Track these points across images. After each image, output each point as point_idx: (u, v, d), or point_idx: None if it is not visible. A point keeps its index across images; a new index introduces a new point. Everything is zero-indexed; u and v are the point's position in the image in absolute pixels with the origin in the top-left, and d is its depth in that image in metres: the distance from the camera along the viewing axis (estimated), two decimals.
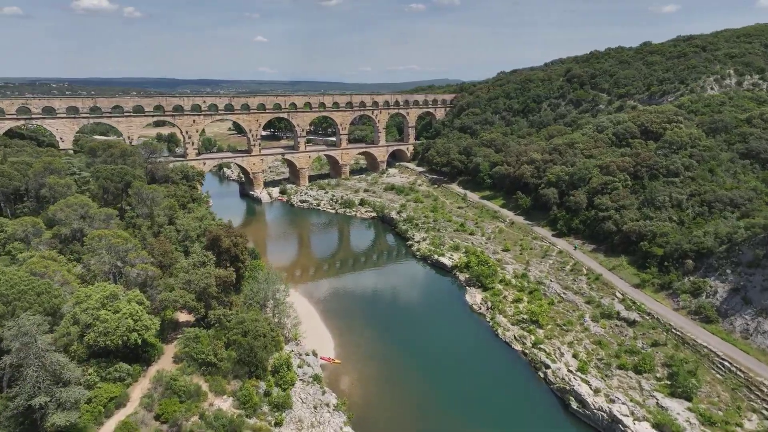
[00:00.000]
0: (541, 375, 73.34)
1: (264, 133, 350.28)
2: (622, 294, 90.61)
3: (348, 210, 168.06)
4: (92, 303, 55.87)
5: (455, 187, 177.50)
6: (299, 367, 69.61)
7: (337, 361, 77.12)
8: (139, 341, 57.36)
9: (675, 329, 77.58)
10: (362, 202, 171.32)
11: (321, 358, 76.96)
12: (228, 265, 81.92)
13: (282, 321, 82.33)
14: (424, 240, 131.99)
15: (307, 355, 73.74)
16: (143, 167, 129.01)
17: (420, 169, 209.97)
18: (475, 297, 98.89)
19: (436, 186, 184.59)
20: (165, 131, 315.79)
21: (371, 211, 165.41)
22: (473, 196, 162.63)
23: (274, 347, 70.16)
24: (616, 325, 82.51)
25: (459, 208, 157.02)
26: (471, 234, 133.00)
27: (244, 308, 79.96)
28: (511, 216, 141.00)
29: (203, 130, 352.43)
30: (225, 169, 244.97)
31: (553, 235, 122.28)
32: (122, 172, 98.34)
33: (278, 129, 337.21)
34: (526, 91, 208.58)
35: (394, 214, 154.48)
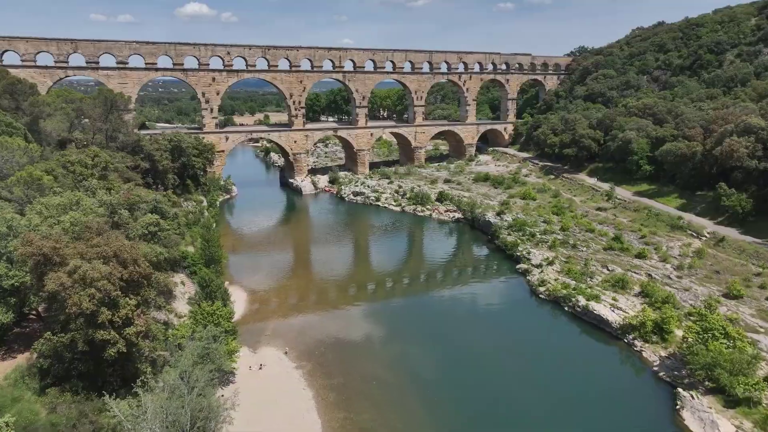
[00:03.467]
0: None
1: (331, 120, 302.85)
2: None
3: (419, 208, 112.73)
4: None
5: (585, 178, 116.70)
6: None
7: None
8: None
9: None
10: (442, 197, 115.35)
11: None
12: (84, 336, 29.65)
13: None
14: (549, 263, 73.92)
15: None
16: (95, 128, 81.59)
17: (524, 154, 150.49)
18: (714, 426, 39.88)
19: (553, 176, 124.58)
20: None
21: (454, 210, 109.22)
22: (622, 192, 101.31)
23: None
24: None
25: (599, 209, 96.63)
26: (639, 256, 72.88)
27: None
28: (709, 226, 78.97)
29: (263, 116, 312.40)
30: (272, 154, 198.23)
31: None
32: None
33: (345, 113, 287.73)
34: (692, 39, 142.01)
35: (491, 217, 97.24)
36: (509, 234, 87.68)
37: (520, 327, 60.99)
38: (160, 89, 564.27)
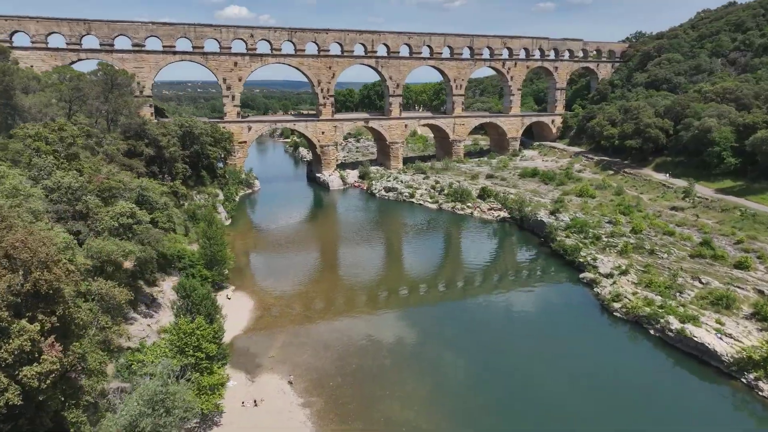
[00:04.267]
0: None
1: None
2: None
3: (459, 205, 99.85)
4: None
5: (651, 173, 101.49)
6: None
7: None
8: None
9: None
10: (484, 194, 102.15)
11: None
12: None
13: None
14: (622, 273, 60.10)
15: None
16: (94, 108, 72.29)
17: (575, 149, 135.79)
18: None
19: (612, 172, 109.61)
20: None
21: (499, 209, 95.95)
22: (701, 189, 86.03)
23: None
24: None
25: (674, 209, 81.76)
26: (740, 267, 58.15)
27: None
28: None
29: (296, 114, 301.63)
30: (301, 149, 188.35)
31: None
32: None
33: (379, 109, 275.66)
34: None
35: (544, 216, 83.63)
36: (567, 236, 74.02)
37: (593, 354, 47.42)
38: (198, 89, 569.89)
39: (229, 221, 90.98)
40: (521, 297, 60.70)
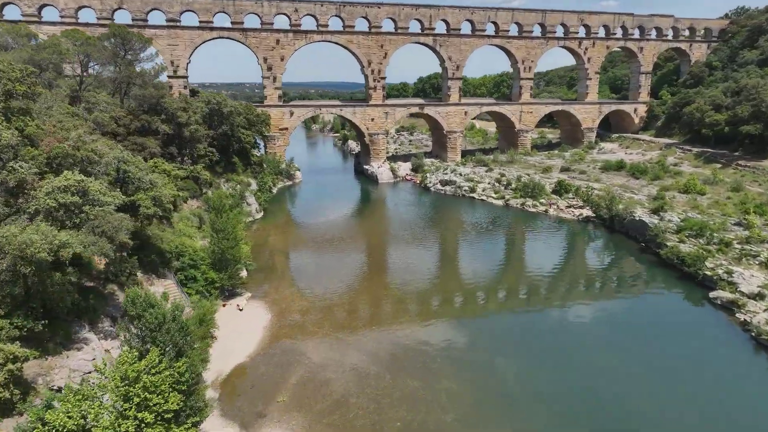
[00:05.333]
0: None
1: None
2: None
3: (530, 202, 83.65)
4: None
5: None
6: None
7: None
8: None
9: None
10: (561, 188, 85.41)
11: None
12: None
13: None
14: None
15: None
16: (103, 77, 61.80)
17: (665, 140, 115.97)
18: None
19: (720, 165, 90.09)
20: None
21: (580, 206, 79.25)
22: None
23: None
24: None
25: None
26: None
27: None
28: None
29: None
30: (350, 142, 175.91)
31: None
32: None
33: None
34: None
35: (643, 215, 66.29)
36: (680, 241, 56.79)
37: (752, 408, 30.99)
38: (256, 90, 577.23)
39: (261, 214, 79.16)
40: (630, 323, 44.47)
